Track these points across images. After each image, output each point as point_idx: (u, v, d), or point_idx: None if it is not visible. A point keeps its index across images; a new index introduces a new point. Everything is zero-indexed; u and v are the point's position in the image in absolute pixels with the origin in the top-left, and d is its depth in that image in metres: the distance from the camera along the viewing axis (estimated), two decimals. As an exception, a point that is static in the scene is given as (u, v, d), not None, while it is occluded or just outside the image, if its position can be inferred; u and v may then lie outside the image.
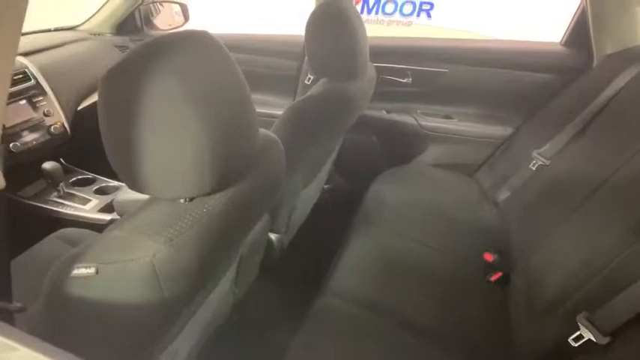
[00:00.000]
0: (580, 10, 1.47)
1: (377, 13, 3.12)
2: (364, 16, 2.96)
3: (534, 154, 1.43)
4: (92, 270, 0.49)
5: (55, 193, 1.39)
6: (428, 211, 1.46)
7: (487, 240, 1.33)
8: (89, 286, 0.50)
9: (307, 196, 1.41)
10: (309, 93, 1.19)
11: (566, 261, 0.98)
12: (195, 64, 0.54)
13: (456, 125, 1.76)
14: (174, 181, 0.55)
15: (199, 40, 0.56)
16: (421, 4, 3.04)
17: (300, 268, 1.47)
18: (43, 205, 1.36)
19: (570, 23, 1.54)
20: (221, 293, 0.92)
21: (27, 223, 1.27)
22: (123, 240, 0.53)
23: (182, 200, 0.58)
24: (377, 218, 1.41)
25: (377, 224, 1.39)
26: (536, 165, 1.42)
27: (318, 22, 1.15)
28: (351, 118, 1.32)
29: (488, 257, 1.24)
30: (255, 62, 1.90)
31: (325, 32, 1.15)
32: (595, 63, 1.45)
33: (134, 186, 0.57)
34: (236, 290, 1.08)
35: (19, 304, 0.57)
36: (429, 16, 3.04)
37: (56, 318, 0.53)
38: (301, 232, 1.51)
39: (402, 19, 3.16)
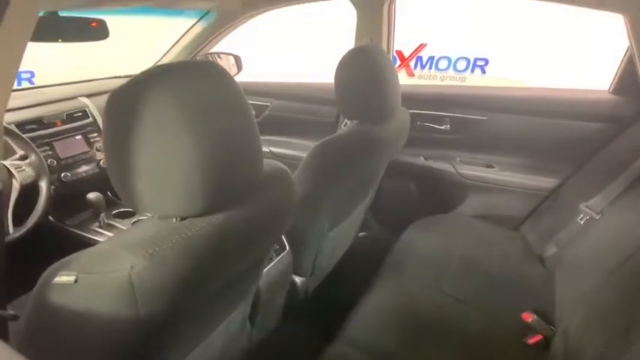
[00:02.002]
0: (627, 56, 1.40)
1: (430, 68, 3.16)
2: (417, 72, 3.02)
3: (582, 207, 1.33)
4: (72, 278, 0.50)
5: (97, 223, 1.47)
6: (463, 263, 1.37)
7: (528, 298, 1.22)
8: (67, 294, 0.51)
9: (336, 239, 1.38)
10: (336, 133, 1.20)
11: (605, 326, 0.87)
12: (195, 90, 0.56)
13: (497, 175, 1.68)
14: (166, 199, 0.56)
15: (204, 68, 0.60)
16: (475, 60, 3.04)
17: (322, 313, 1.41)
18: (83, 234, 1.43)
19: (618, 70, 1.46)
20: (231, 328, 0.90)
21: (70, 249, 1.34)
22: (106, 252, 0.54)
23: (174, 220, 0.58)
24: (406, 267, 1.35)
25: (405, 273, 1.32)
26: (585, 219, 1.31)
27: (347, 65, 1.18)
28: (379, 160, 1.30)
29: (527, 317, 1.13)
30: (296, 109, 1.98)
31: (353, 75, 1.18)
32: (647, 111, 1.36)
33: (129, 202, 0.58)
34: (254, 331, 1.05)
35: (12, 312, 0.59)
36: (483, 72, 3.02)
37: (36, 324, 0.53)
38: (330, 277, 1.47)
39: (455, 74, 3.18)
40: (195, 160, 0.55)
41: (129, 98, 0.55)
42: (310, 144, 1.96)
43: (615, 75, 1.48)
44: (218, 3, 1.52)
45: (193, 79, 0.57)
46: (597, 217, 1.28)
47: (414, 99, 1.65)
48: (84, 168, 1.49)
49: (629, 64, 1.39)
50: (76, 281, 0.50)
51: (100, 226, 1.46)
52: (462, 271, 1.34)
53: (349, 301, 1.25)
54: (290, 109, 2.00)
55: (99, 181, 1.55)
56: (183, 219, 0.59)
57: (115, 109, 0.56)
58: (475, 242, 1.50)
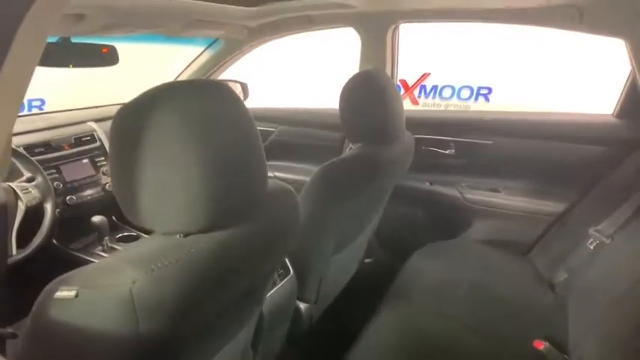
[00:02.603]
0: (630, 81, 1.41)
1: (434, 97, 3.19)
2: (422, 100, 3.05)
3: (592, 231, 1.30)
4: (73, 293, 0.49)
5: (100, 247, 1.47)
6: (471, 289, 1.34)
7: (539, 326, 1.18)
8: (67, 309, 0.50)
9: (341, 264, 1.36)
10: (342, 156, 1.21)
11: (620, 354, 0.84)
12: (201, 107, 0.57)
13: (503, 199, 1.66)
14: (169, 215, 0.56)
15: (210, 86, 0.60)
16: (479, 88, 3.07)
17: (327, 341, 1.37)
18: (87, 257, 1.43)
19: (621, 94, 1.47)
20: (233, 354, 0.87)
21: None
22: (109, 266, 0.53)
23: (178, 236, 0.58)
24: (413, 293, 1.32)
25: (412, 300, 1.29)
26: (595, 243, 1.28)
27: (351, 88, 1.19)
28: (384, 183, 1.30)
29: (539, 345, 1.09)
30: (301, 134, 2.00)
31: (357, 98, 1.19)
32: (653, 135, 1.35)
33: (133, 217, 0.58)
34: (257, 359, 1.01)
35: (10, 330, 0.57)
36: (487, 100, 3.05)
37: (34, 339, 0.52)
38: (335, 305, 1.44)
39: (459, 102, 3.21)
40: (200, 176, 0.55)
41: (136, 114, 0.56)
42: (315, 168, 1.97)
43: (619, 99, 1.48)
44: (225, 32, 1.56)
45: (199, 97, 0.58)
46: (607, 242, 1.25)
47: (419, 124, 1.66)
48: (89, 191, 1.50)
49: (631, 89, 1.40)
50: (76, 296, 0.49)
51: (104, 250, 1.45)
52: (471, 297, 1.30)
53: (355, 329, 1.21)
54: (295, 134, 2.01)
55: (104, 205, 1.55)
56: (187, 235, 0.58)
57: (122, 125, 0.57)
58: (483, 268, 1.47)
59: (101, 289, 0.50)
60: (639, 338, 0.85)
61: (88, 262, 1.38)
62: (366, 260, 1.85)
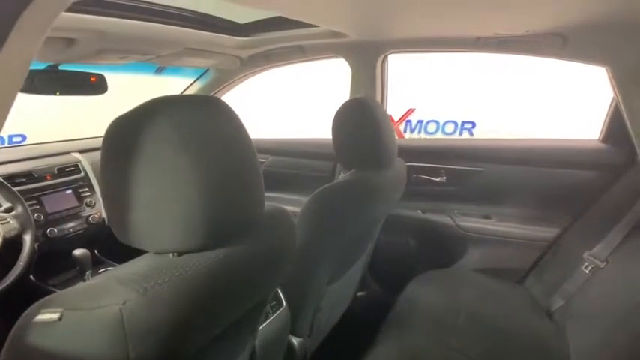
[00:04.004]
0: (612, 106, 1.45)
1: (420, 132, 3.25)
2: (407, 135, 3.10)
3: (586, 255, 1.30)
4: (56, 315, 0.44)
5: (82, 282, 1.39)
6: (469, 318, 1.30)
7: (540, 354, 1.16)
8: (49, 333, 0.45)
9: (335, 296, 1.31)
10: (335, 182, 1.19)
11: None
12: (197, 122, 0.55)
13: (496, 226, 1.65)
14: (163, 233, 0.53)
15: (207, 101, 0.59)
16: (463, 123, 3.15)
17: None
18: (66, 293, 1.35)
19: (605, 120, 1.51)
20: None
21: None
22: (96, 286, 0.49)
23: (171, 255, 0.55)
24: (410, 322, 1.28)
25: (411, 330, 1.25)
26: (590, 267, 1.28)
27: (344, 115, 1.20)
28: (377, 210, 1.28)
29: (543, 373, 1.06)
30: (292, 164, 1.98)
31: (351, 124, 1.19)
32: (638, 158, 1.38)
33: (122, 236, 0.55)
34: None
35: None
36: (471, 134, 3.12)
37: None
38: (329, 339, 1.38)
39: (444, 137, 3.28)
40: (198, 192, 0.52)
41: (129, 127, 0.53)
42: (306, 199, 1.95)
43: (603, 124, 1.52)
44: (217, 61, 1.57)
45: (195, 111, 0.56)
46: (602, 266, 1.26)
47: (410, 152, 1.66)
48: (71, 224, 1.44)
49: (615, 114, 1.44)
50: (60, 319, 0.44)
51: (84, 285, 1.37)
52: (470, 326, 1.27)
53: None
54: (286, 165, 2.00)
55: (87, 239, 1.49)
56: (180, 254, 0.55)
57: (114, 138, 0.54)
58: (479, 296, 1.44)
59: (88, 310, 0.45)
60: None
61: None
62: (360, 293, 1.80)
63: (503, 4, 0.98)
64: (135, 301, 0.46)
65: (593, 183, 1.49)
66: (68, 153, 1.60)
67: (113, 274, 0.52)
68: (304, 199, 1.77)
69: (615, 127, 1.45)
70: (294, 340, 1.15)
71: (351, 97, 1.72)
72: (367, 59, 1.67)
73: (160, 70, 1.91)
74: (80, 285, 0.51)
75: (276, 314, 1.04)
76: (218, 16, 1.28)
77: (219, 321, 0.61)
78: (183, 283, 0.51)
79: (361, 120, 1.18)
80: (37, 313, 0.46)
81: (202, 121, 0.56)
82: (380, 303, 1.58)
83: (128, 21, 0.97)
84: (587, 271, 1.29)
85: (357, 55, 1.68)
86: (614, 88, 1.33)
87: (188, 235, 0.53)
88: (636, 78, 1.23)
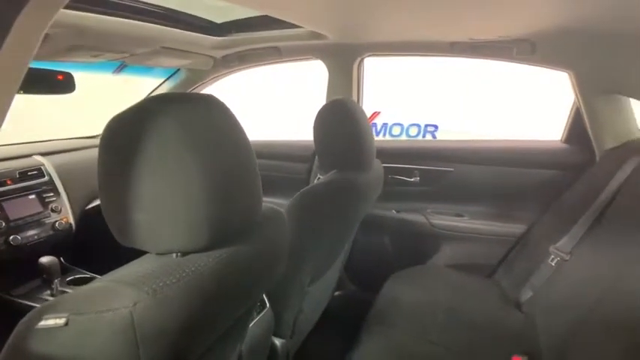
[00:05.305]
0: (574, 109, 1.55)
1: (385, 135, 3.32)
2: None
3: (552, 249, 1.37)
4: (62, 321, 0.42)
5: (48, 291, 1.31)
6: (446, 312, 1.35)
7: (514, 343, 1.22)
8: (54, 339, 0.43)
9: (315, 297, 1.31)
10: (317, 182, 1.20)
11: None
12: (199, 120, 0.54)
13: (467, 224, 1.72)
14: (166, 233, 0.52)
15: (204, 100, 0.58)
16: (426, 126, 3.24)
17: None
18: (32, 304, 1.26)
19: (567, 122, 1.61)
20: None
21: (14, 322, 1.17)
22: (102, 289, 0.47)
23: (174, 255, 0.54)
24: (391, 319, 1.30)
25: (391, 325, 1.28)
26: (555, 260, 1.35)
27: (324, 117, 1.21)
28: (358, 209, 1.30)
29: (518, 360, 1.12)
30: (266, 166, 1.96)
31: (331, 127, 1.20)
32: (597, 158, 1.48)
33: (122, 237, 0.53)
34: None
35: None
36: (433, 137, 3.21)
37: None
38: (310, 339, 1.38)
39: (408, 139, 3.36)
40: (200, 192, 0.52)
41: (128, 127, 0.52)
42: (282, 202, 1.94)
43: (565, 126, 1.62)
44: (191, 61, 1.54)
45: (195, 110, 0.55)
46: (567, 258, 1.33)
47: (384, 153, 1.70)
48: (36, 230, 1.36)
49: (576, 116, 1.53)
50: (66, 324, 0.42)
51: (53, 294, 1.30)
52: (447, 320, 1.31)
53: None
54: (261, 167, 1.98)
55: (52, 246, 1.41)
56: (185, 255, 0.54)
57: (113, 137, 0.53)
58: (454, 291, 1.49)
59: (96, 314, 0.44)
60: (612, 344, 0.90)
61: (31, 309, 1.24)
62: (336, 293, 1.81)
63: (477, 11, 1.03)
64: (145, 303, 0.44)
65: (557, 181, 1.58)
66: (30, 156, 1.51)
67: (115, 276, 0.50)
68: (279, 201, 1.77)
69: (576, 129, 1.55)
70: (277, 342, 1.14)
71: (327, 99, 1.74)
72: (344, 62, 1.69)
73: (119, 70, 1.85)
74: (82, 289, 0.49)
75: (260, 316, 1.03)
76: (195, 14, 1.25)
77: (224, 321, 0.61)
78: (191, 282, 0.50)
79: (343, 121, 1.20)
80: (39, 319, 0.44)
81: (203, 120, 0.55)
82: (357, 302, 1.59)
83: (105, 17, 0.93)
84: (553, 264, 1.35)
85: (334, 58, 1.70)
86: (575, 92, 1.42)
87: (192, 235, 0.52)
88: (596, 82, 1.32)
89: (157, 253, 0.55)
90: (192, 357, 0.54)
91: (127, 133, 0.51)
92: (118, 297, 0.45)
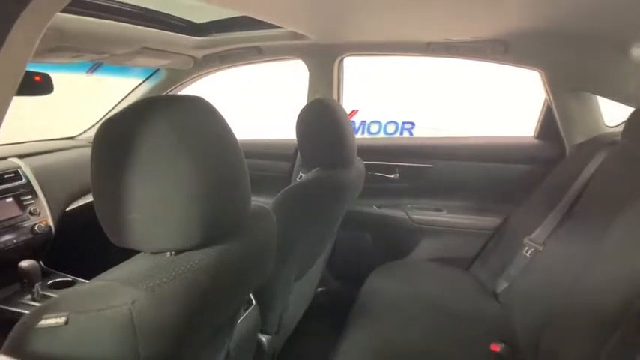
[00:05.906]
0: (545, 107, 1.62)
1: (363, 132, 3.36)
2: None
3: (526, 240, 1.43)
4: (62, 320, 0.43)
5: (29, 296, 1.29)
6: (427, 304, 1.39)
7: (492, 331, 1.26)
8: (55, 338, 0.44)
9: (299, 293, 1.34)
10: (301, 180, 1.22)
11: (574, 347, 0.92)
12: (191, 121, 0.56)
13: (446, 218, 1.77)
14: (160, 231, 0.53)
15: (194, 102, 0.59)
16: (403, 123, 3.30)
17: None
18: (12, 309, 1.25)
19: (539, 118, 1.68)
20: None
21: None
22: (101, 288, 0.49)
23: (168, 254, 0.55)
24: (375, 312, 1.34)
25: (375, 318, 1.31)
26: (530, 251, 1.41)
27: (307, 116, 1.23)
28: (341, 206, 1.32)
29: (496, 348, 1.17)
30: (249, 165, 1.97)
31: (313, 126, 1.23)
32: (568, 152, 1.55)
33: (116, 237, 0.54)
34: None
35: None
36: (410, 134, 3.27)
37: None
38: (295, 335, 1.40)
39: (386, 137, 3.41)
40: (193, 191, 0.53)
41: (123, 126, 0.53)
42: (265, 200, 1.95)
43: (537, 123, 1.69)
44: (171, 61, 1.53)
45: (187, 112, 0.57)
46: (541, 249, 1.38)
47: (365, 151, 1.73)
48: (14, 234, 1.34)
49: (547, 113, 1.60)
50: (66, 323, 0.43)
51: (34, 299, 1.28)
52: (428, 311, 1.35)
53: (321, 356, 1.20)
54: None
55: (32, 249, 1.39)
56: (178, 253, 0.55)
57: (107, 138, 0.54)
58: (433, 284, 1.54)
59: (96, 312, 0.45)
60: (582, 330, 0.94)
61: (14, 314, 1.22)
62: (319, 289, 1.84)
63: (452, 12, 1.06)
64: (143, 300, 0.46)
65: (530, 175, 1.65)
66: (6, 158, 1.47)
67: (111, 275, 0.52)
68: (262, 200, 1.77)
69: (547, 125, 1.62)
70: (263, 338, 1.16)
71: (308, 98, 1.76)
72: (325, 61, 1.72)
73: (92, 69, 1.82)
74: (79, 288, 0.50)
75: (246, 313, 1.05)
76: (176, 15, 1.25)
77: (218, 317, 0.62)
78: (187, 278, 0.51)
79: (324, 120, 1.22)
80: (39, 319, 0.45)
81: (194, 121, 0.57)
82: (340, 297, 1.62)
83: (86, 18, 0.92)
84: (527, 255, 1.41)
85: (315, 58, 1.72)
86: (546, 90, 1.48)
87: (186, 233, 0.54)
88: (566, 81, 1.39)
89: (151, 253, 0.56)
90: (188, 352, 0.56)
91: (120, 135, 0.53)
92: (117, 295, 0.46)
